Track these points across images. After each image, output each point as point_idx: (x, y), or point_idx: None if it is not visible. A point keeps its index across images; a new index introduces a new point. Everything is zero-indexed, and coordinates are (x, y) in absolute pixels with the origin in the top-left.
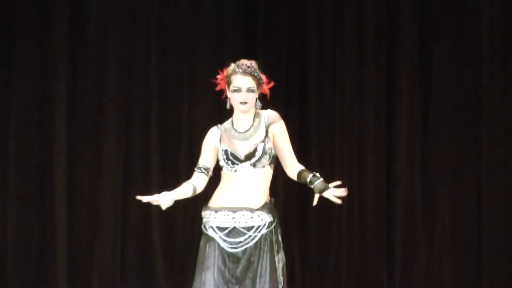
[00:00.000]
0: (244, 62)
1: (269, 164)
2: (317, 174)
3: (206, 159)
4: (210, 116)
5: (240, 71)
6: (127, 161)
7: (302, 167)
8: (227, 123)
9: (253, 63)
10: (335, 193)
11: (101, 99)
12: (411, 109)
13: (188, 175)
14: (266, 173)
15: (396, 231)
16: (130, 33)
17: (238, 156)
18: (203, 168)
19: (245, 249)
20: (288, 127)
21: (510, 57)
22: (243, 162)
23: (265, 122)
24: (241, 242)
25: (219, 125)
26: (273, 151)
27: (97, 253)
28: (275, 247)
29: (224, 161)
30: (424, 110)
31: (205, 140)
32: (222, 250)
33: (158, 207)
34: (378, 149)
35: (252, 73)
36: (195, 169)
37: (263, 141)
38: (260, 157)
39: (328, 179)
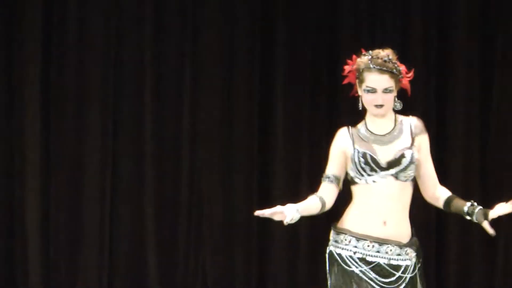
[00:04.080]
0: (380, 54)
1: (412, 180)
2: (475, 203)
3: (335, 166)
4: (218, 120)
5: (376, 67)
6: (115, 175)
7: (450, 193)
8: (360, 125)
9: (390, 55)
10: (500, 211)
11: (83, 96)
12: (468, 114)
13: (191, 193)
14: (408, 190)
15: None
16: (118, 14)
17: (379, 162)
18: (334, 177)
19: None
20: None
21: None
22: (384, 171)
23: (412, 131)
24: (389, 283)
25: (349, 126)
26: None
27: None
28: None
29: (361, 166)
30: (484, 116)
31: (334, 144)
32: (370, 286)
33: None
34: None
35: (390, 70)
36: (322, 179)
37: (410, 148)
38: (406, 166)
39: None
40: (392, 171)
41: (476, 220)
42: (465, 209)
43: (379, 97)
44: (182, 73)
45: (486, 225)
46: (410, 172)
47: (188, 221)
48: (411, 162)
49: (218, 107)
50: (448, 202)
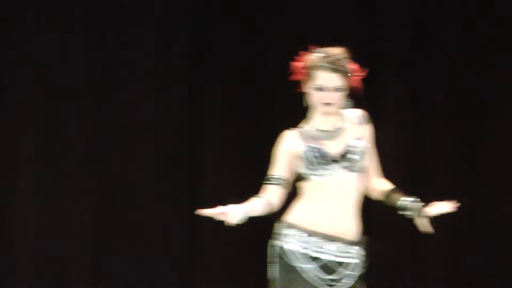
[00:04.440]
0: (332, 52)
1: (364, 172)
2: (414, 198)
3: (282, 168)
4: (153, 121)
5: (327, 66)
6: (42, 174)
7: (391, 186)
8: (305, 125)
9: (342, 54)
10: (438, 210)
11: (14, 95)
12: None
13: (120, 191)
14: (361, 184)
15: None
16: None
17: (332, 156)
18: (276, 178)
19: None
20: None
21: None
22: (338, 164)
23: (357, 121)
24: (334, 280)
25: (293, 129)
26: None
27: None
28: None
29: (313, 163)
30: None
31: (280, 146)
32: (312, 286)
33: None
34: None
35: (342, 69)
36: (268, 181)
37: (360, 138)
38: (358, 156)
39: None
40: (345, 163)
41: (413, 216)
42: (403, 203)
43: (328, 96)
44: (112, 69)
45: (422, 222)
46: (363, 162)
47: (117, 219)
48: (362, 151)
49: (148, 106)
50: (387, 194)
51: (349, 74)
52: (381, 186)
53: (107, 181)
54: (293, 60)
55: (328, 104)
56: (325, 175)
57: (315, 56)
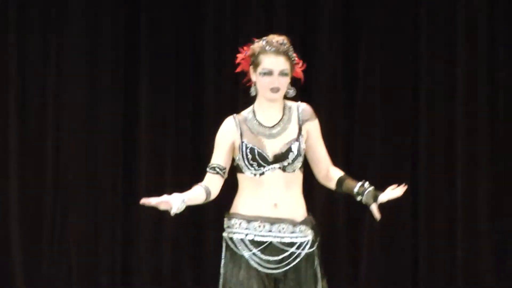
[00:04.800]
0: (275, 38)
1: (300, 168)
2: (366, 184)
3: (221, 157)
4: (82, 115)
5: (272, 49)
6: None
7: (342, 173)
8: (246, 113)
9: (285, 40)
10: (390, 195)
11: None
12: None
13: (53, 187)
14: (298, 179)
15: None
16: None
17: (266, 157)
18: (218, 168)
19: (285, 271)
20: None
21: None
22: (272, 164)
23: (299, 118)
24: (281, 261)
25: (235, 115)
26: (304, 153)
27: None
28: (318, 274)
29: (249, 162)
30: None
31: (220, 133)
32: (257, 271)
33: None
34: None
35: (286, 52)
36: (208, 170)
37: (297, 139)
38: (293, 159)
39: None
40: (279, 164)
41: (368, 202)
42: (355, 189)
43: (275, 80)
44: (46, 69)
45: (373, 208)
46: (297, 164)
47: (53, 213)
48: (298, 155)
49: (82, 101)
50: (340, 182)
51: (293, 59)
52: (333, 175)
53: (40, 174)
54: (237, 52)
55: (274, 88)
56: (259, 173)
57: (259, 43)
